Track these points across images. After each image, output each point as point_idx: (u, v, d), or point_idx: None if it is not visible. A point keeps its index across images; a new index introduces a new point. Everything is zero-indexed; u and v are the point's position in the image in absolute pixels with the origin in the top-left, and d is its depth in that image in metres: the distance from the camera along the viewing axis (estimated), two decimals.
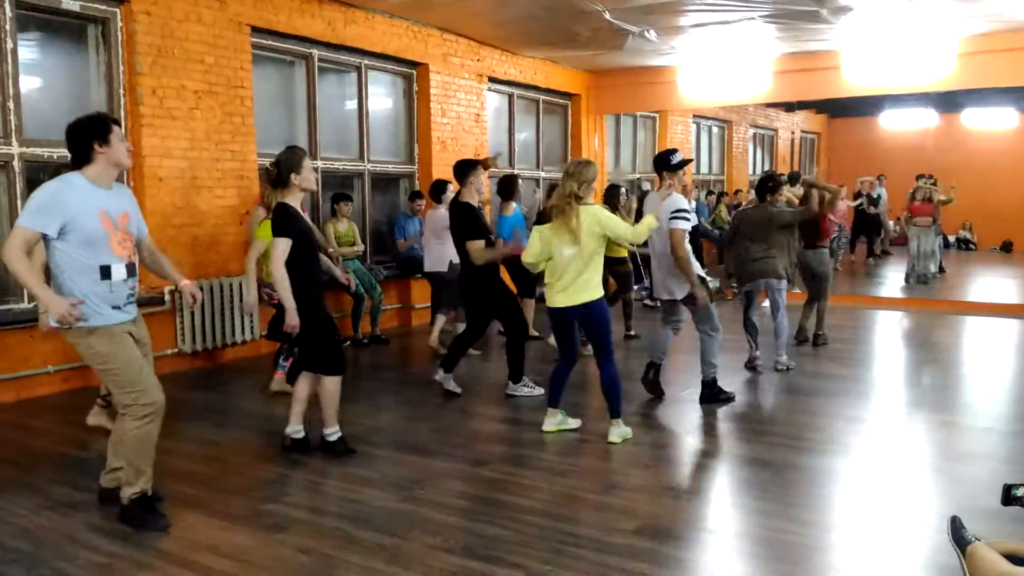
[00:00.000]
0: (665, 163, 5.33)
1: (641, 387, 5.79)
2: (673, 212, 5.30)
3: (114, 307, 3.50)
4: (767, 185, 6.77)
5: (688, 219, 5.32)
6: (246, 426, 5.31)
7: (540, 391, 5.72)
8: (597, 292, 4.69)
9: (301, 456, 4.60)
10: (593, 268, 4.65)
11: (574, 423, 5.02)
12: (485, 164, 6.32)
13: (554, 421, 4.97)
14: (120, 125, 3.60)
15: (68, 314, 3.28)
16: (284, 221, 4.31)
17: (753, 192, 10.50)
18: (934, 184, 12.62)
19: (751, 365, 6.67)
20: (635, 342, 7.78)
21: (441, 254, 7.21)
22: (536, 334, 7.57)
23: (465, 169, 5.71)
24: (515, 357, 5.81)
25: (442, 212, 7.04)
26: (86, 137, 3.44)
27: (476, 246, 5.55)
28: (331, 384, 4.52)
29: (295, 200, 4.39)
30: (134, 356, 3.55)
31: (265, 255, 5.29)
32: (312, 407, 4.70)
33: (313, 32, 7.76)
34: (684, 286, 5.40)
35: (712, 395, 5.66)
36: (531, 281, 7.27)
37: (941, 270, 13.34)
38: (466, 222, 5.62)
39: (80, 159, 3.47)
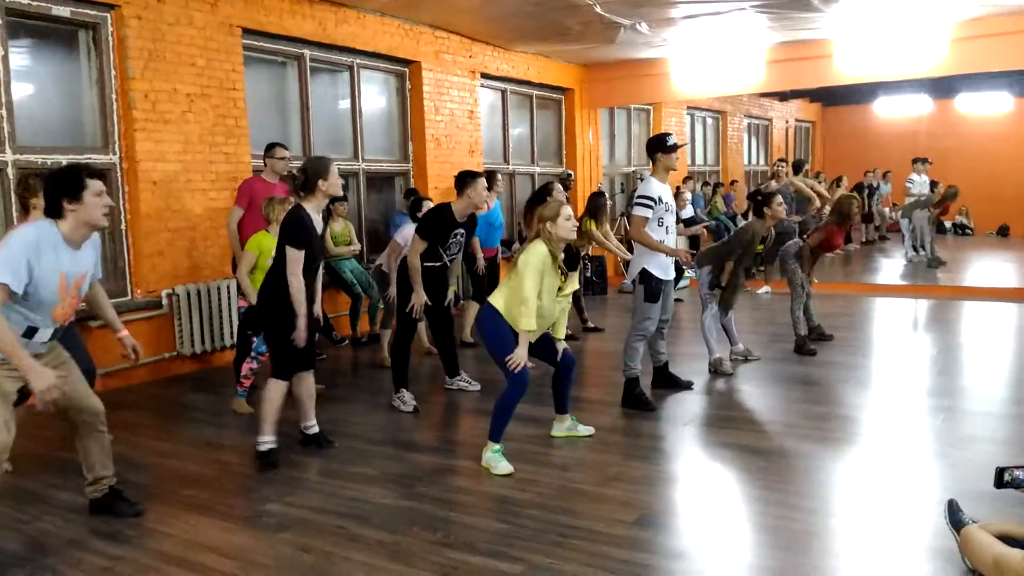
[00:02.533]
0: (660, 145, 5.36)
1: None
2: (636, 196, 5.39)
3: None
4: (757, 199, 6.56)
5: (647, 205, 5.28)
6: (245, 427, 5.31)
7: (477, 387, 5.95)
8: (494, 300, 4.40)
9: (302, 457, 4.62)
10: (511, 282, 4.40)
11: (585, 430, 4.86)
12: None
13: (563, 427, 4.87)
14: (102, 178, 3.33)
15: (53, 389, 3.10)
16: (298, 230, 4.27)
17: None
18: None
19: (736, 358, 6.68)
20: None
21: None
22: (471, 340, 7.49)
23: (464, 180, 5.48)
24: (445, 351, 5.96)
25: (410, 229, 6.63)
26: (55, 193, 3.22)
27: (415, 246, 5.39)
28: (274, 389, 4.47)
29: (316, 207, 4.36)
30: None
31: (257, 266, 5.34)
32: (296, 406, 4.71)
33: (304, 32, 7.76)
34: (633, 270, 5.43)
35: (632, 397, 5.43)
36: (481, 285, 7.07)
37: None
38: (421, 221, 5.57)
39: (52, 213, 3.26)
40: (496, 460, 4.30)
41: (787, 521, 3.56)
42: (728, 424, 5.14)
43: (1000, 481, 2.84)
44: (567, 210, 4.30)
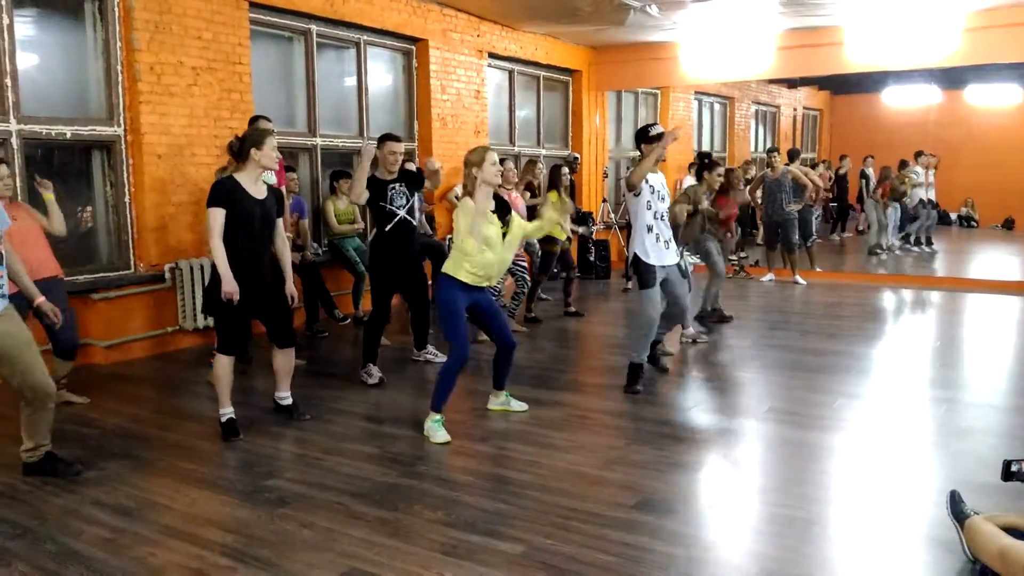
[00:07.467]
0: (643, 136, 5.41)
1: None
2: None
3: None
4: (703, 163, 6.68)
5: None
6: (246, 402, 5.31)
7: (443, 357, 5.93)
8: (446, 267, 4.53)
9: (302, 433, 4.63)
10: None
11: (519, 406, 4.95)
12: None
13: (497, 401, 5.00)
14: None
15: None
16: (214, 191, 4.32)
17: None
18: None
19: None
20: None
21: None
22: None
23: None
24: (419, 327, 6.13)
25: None
26: None
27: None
28: (219, 364, 4.49)
29: (249, 176, 4.37)
30: None
31: None
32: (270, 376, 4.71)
33: (311, 7, 7.69)
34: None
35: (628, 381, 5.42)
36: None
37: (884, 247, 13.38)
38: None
39: None
40: (435, 429, 4.45)
41: (786, 509, 3.56)
42: (730, 411, 5.14)
43: (1008, 473, 2.83)
44: (493, 156, 4.41)
